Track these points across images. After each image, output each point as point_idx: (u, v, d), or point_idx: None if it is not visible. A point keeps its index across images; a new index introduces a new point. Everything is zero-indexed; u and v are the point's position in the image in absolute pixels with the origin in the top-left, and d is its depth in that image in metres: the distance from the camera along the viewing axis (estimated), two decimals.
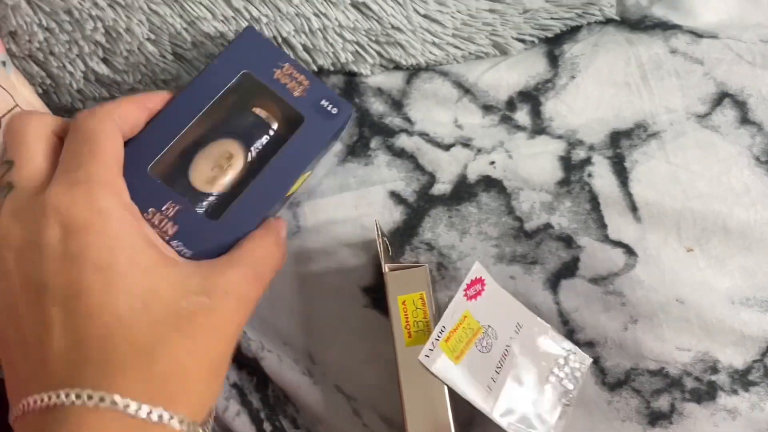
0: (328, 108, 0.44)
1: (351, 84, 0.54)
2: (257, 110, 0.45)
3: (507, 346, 0.44)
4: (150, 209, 0.39)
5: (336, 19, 0.49)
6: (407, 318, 0.43)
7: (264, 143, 0.45)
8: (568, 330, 0.48)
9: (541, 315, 0.48)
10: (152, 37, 0.49)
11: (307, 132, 0.43)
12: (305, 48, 0.50)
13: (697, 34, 0.52)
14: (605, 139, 0.51)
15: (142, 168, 0.40)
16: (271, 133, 0.45)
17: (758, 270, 0.47)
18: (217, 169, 0.43)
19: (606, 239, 0.49)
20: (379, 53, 0.52)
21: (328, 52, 0.51)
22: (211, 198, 0.43)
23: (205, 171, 0.43)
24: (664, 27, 0.53)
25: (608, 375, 0.47)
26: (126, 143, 0.39)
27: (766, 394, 0.45)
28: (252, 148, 0.44)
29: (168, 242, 0.39)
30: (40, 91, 0.52)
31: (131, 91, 0.53)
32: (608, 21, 0.55)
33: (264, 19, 0.48)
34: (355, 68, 0.53)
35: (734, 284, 0.47)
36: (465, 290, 0.44)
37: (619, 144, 0.50)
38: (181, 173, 0.43)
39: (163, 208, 0.39)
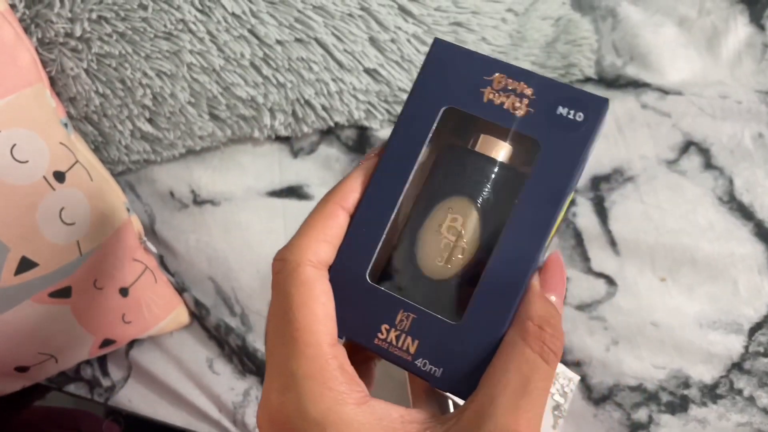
0: (569, 115, 0.30)
1: (362, 137, 0.61)
2: (477, 145, 0.34)
3: None
4: (383, 327, 0.31)
5: (351, 83, 0.57)
6: None
7: (494, 186, 0.33)
8: None
9: None
10: (192, 100, 0.56)
11: (548, 159, 0.30)
12: (324, 107, 0.58)
13: (664, 91, 0.59)
14: (587, 183, 0.58)
15: (362, 276, 0.31)
16: (496, 170, 0.33)
17: (722, 296, 0.53)
18: (449, 242, 0.33)
19: (589, 271, 0.55)
20: (387, 110, 0.60)
21: (344, 111, 0.58)
22: (446, 286, 0.32)
23: (434, 251, 0.33)
24: (636, 85, 0.60)
25: (593, 391, 0.53)
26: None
27: (732, 405, 0.51)
28: (482, 200, 0.33)
29: (412, 362, 0.31)
30: (92, 147, 0.59)
31: (171, 146, 0.60)
32: (587, 79, 0.62)
33: (289, 84, 0.56)
34: (366, 123, 0.60)
35: (702, 309, 0.53)
36: None
37: (599, 187, 0.57)
38: (409, 262, 0.33)
39: (396, 322, 0.31)
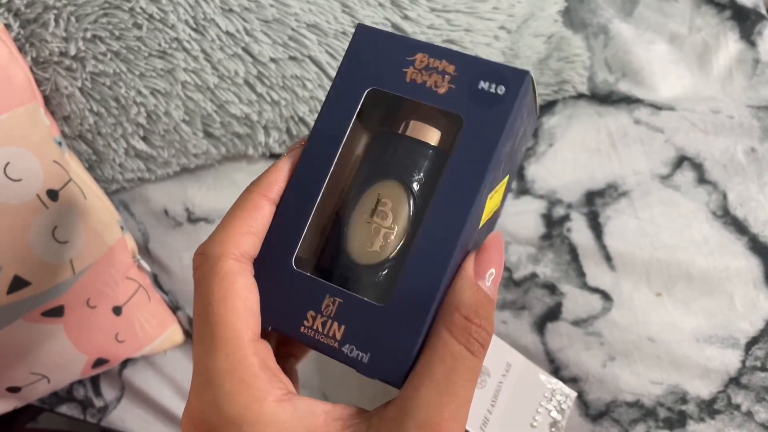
0: (491, 89, 0.30)
1: None
2: (404, 129, 0.33)
3: (499, 382, 0.51)
4: (309, 313, 0.30)
5: None
6: None
7: (425, 170, 0.32)
8: (554, 367, 0.54)
9: (529, 355, 0.54)
10: (187, 118, 0.56)
11: (470, 135, 0.30)
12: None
13: (656, 107, 0.60)
14: (581, 198, 0.58)
15: (287, 264, 0.30)
16: (425, 153, 0.33)
17: (718, 311, 0.53)
18: (378, 226, 0.32)
19: (585, 286, 0.55)
20: None
21: None
22: (384, 271, 0.32)
23: (364, 236, 0.32)
24: (629, 101, 0.61)
25: (590, 407, 0.53)
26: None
27: (730, 421, 0.51)
28: (413, 183, 0.32)
29: (339, 348, 0.29)
30: (87, 166, 0.59)
31: (165, 165, 0.60)
32: (580, 96, 0.63)
33: (283, 102, 0.56)
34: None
35: (698, 324, 0.53)
36: None
37: (594, 202, 0.57)
38: (338, 248, 0.33)
39: (322, 308, 0.30)
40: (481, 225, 0.32)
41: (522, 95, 0.30)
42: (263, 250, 0.31)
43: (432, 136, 0.33)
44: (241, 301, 0.28)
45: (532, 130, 0.39)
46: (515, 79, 0.29)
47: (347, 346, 0.29)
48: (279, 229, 0.31)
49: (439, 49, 0.31)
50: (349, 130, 0.31)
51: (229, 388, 0.26)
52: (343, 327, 0.29)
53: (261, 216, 0.30)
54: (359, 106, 0.31)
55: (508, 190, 0.39)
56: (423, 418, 0.26)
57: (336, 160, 0.31)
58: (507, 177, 0.36)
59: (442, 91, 0.30)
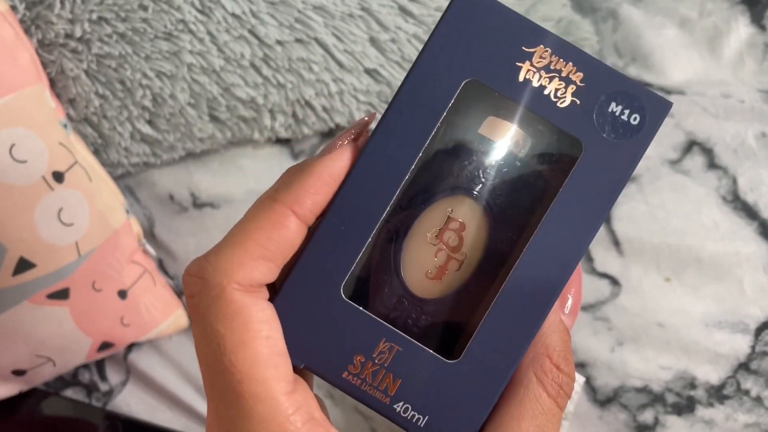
0: (623, 116, 0.24)
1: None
2: (492, 135, 0.26)
3: None
4: (356, 358, 0.24)
5: (351, 84, 0.56)
6: None
7: (502, 186, 0.26)
8: None
9: None
10: (192, 101, 0.56)
11: (592, 167, 0.24)
12: (324, 108, 0.58)
13: (666, 91, 0.59)
14: None
15: (331, 294, 0.25)
16: (510, 163, 0.26)
17: (728, 296, 0.53)
18: (444, 252, 0.26)
19: (593, 271, 0.55)
20: None
21: (344, 111, 0.58)
22: (444, 303, 0.26)
23: (425, 262, 0.26)
24: None
25: (598, 393, 0.53)
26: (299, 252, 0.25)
27: (739, 406, 0.50)
28: (494, 205, 0.26)
29: (390, 406, 0.24)
30: (92, 149, 0.59)
31: (170, 149, 0.60)
32: None
33: (289, 85, 0.56)
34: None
35: (708, 309, 0.53)
36: None
37: None
38: (391, 275, 0.27)
39: (374, 354, 0.24)
40: None
41: (659, 124, 0.24)
42: (299, 271, 0.25)
43: (524, 145, 0.26)
44: (264, 343, 0.22)
45: None
46: (656, 109, 0.24)
47: (401, 404, 0.24)
48: (323, 249, 0.24)
49: (568, 47, 0.24)
50: (435, 130, 0.24)
51: None
52: (399, 381, 0.24)
53: (283, 237, 0.23)
54: (452, 101, 0.24)
55: None
56: None
57: (413, 168, 0.24)
58: None
59: (563, 103, 0.24)
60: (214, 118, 0.58)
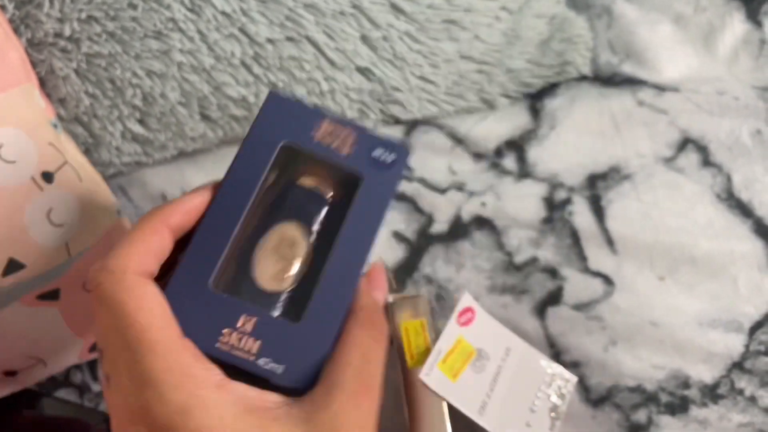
0: (383, 157, 0.38)
1: None
2: (305, 181, 0.40)
3: (499, 366, 0.50)
4: (224, 330, 0.34)
5: (343, 82, 0.56)
6: (410, 342, 0.48)
7: (323, 217, 0.40)
8: (555, 352, 0.54)
9: (530, 339, 0.53)
10: (183, 100, 0.56)
11: (369, 192, 0.37)
12: (316, 107, 0.57)
13: (660, 88, 0.59)
14: (583, 182, 0.57)
15: (204, 286, 0.34)
16: (327, 203, 0.40)
17: (722, 294, 0.52)
18: (282, 261, 0.38)
19: (586, 270, 0.54)
20: (381, 110, 0.59)
21: (336, 110, 0.58)
22: (284, 297, 0.38)
23: (269, 267, 0.38)
24: (632, 82, 0.60)
25: (591, 392, 0.52)
26: (177, 261, 0.35)
27: (733, 405, 0.50)
28: (313, 227, 0.39)
29: (254, 362, 0.33)
30: (83, 149, 0.58)
31: (162, 148, 0.59)
32: (583, 78, 0.62)
33: (280, 84, 0.55)
34: (360, 123, 0.60)
35: (702, 308, 0.52)
36: (457, 318, 0.49)
37: (596, 185, 0.57)
38: (245, 276, 0.38)
39: (238, 325, 0.34)
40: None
41: (406, 163, 0.39)
42: (180, 274, 0.34)
43: (328, 187, 0.40)
44: (158, 306, 0.31)
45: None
46: (402, 150, 0.38)
47: (263, 359, 0.33)
48: (196, 255, 0.35)
49: (344, 119, 0.39)
50: (265, 174, 0.37)
51: (174, 381, 0.29)
52: (259, 342, 0.34)
53: (159, 240, 0.33)
54: (274, 156, 0.37)
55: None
56: (349, 389, 0.31)
57: (252, 199, 0.36)
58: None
59: (345, 152, 0.38)
60: (205, 117, 0.58)
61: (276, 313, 0.37)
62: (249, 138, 0.38)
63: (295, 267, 0.38)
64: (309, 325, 0.34)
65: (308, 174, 0.40)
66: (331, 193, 0.40)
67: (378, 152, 0.38)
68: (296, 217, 0.39)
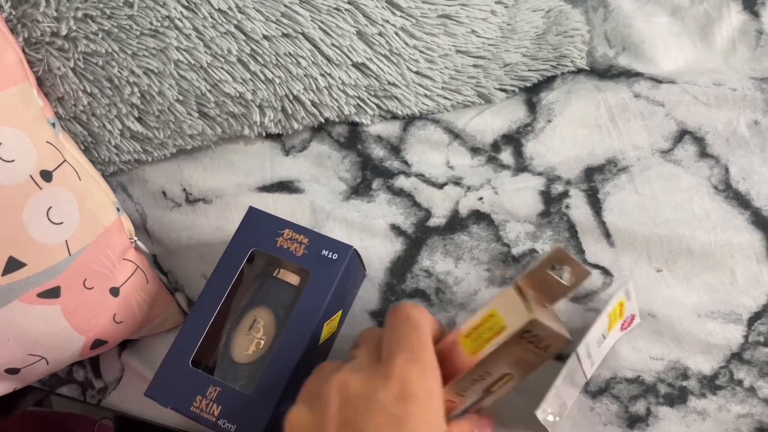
0: (329, 256, 0.49)
1: (354, 133, 0.61)
2: (278, 273, 0.52)
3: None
4: (197, 398, 0.46)
5: (339, 78, 0.56)
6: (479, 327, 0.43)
7: (288, 301, 0.51)
8: None
9: None
10: (181, 98, 0.56)
11: (315, 283, 0.49)
12: (313, 103, 0.58)
13: (657, 80, 0.59)
14: (580, 175, 0.57)
15: (185, 364, 0.47)
16: (292, 290, 0.52)
17: (720, 286, 0.52)
18: (252, 338, 0.50)
19: (584, 263, 0.54)
20: (378, 105, 0.59)
21: (333, 106, 0.58)
22: (249, 368, 0.49)
23: (243, 344, 0.50)
24: (629, 75, 0.60)
25: (590, 383, 0.52)
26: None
27: (732, 396, 0.50)
28: (278, 309, 0.51)
29: (215, 422, 0.45)
30: (83, 148, 0.59)
31: (161, 146, 0.60)
32: (579, 71, 0.62)
33: (277, 80, 0.55)
34: (357, 119, 0.60)
35: (700, 299, 0.52)
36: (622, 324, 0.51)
37: (593, 178, 0.57)
38: (226, 351, 0.50)
39: (207, 394, 0.46)
40: (321, 341, 0.50)
41: (347, 261, 0.49)
42: (169, 355, 0.48)
43: (294, 279, 0.52)
44: None
45: (361, 279, 0.57)
46: (344, 250, 0.49)
47: (222, 420, 0.45)
48: (181, 340, 0.48)
49: (302, 228, 0.51)
50: (238, 272, 0.50)
51: None
52: (219, 407, 0.46)
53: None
54: (246, 259, 0.50)
55: (342, 319, 0.55)
56: None
57: (228, 292, 0.49)
58: (340, 311, 0.53)
59: (299, 254, 0.50)
60: (203, 115, 0.58)
61: (242, 382, 0.48)
62: (230, 244, 0.51)
63: (260, 344, 0.49)
64: (257, 394, 0.45)
65: (282, 267, 0.53)
66: (296, 284, 0.52)
67: (325, 252, 0.50)
68: (267, 303, 0.51)
